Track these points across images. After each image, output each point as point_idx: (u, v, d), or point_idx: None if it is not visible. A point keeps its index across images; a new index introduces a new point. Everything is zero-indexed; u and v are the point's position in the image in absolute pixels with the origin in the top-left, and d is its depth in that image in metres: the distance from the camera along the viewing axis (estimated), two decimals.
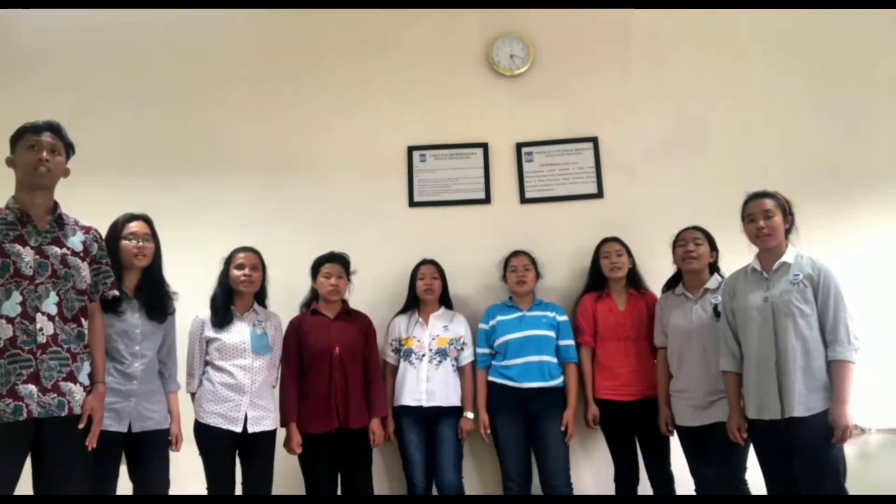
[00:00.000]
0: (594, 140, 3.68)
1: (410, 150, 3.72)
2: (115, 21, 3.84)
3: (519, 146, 3.71)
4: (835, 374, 2.42)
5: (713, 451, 2.78)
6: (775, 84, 3.68)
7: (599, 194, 3.64)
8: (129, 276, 2.60)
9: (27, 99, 3.74)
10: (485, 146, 3.71)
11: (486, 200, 3.67)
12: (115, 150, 3.66)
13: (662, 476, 3.02)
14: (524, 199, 3.67)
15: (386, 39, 3.82)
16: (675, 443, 3.01)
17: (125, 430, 2.47)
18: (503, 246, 3.49)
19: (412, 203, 3.68)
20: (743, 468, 2.73)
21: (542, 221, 3.60)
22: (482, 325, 3.29)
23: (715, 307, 2.83)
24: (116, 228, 2.60)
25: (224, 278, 2.95)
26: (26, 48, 3.84)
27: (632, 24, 3.79)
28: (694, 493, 2.93)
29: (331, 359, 2.97)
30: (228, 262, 2.96)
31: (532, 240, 3.43)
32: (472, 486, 3.31)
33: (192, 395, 2.87)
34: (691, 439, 2.88)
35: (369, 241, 3.48)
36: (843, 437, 2.37)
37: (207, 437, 2.77)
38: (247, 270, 2.91)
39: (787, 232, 2.64)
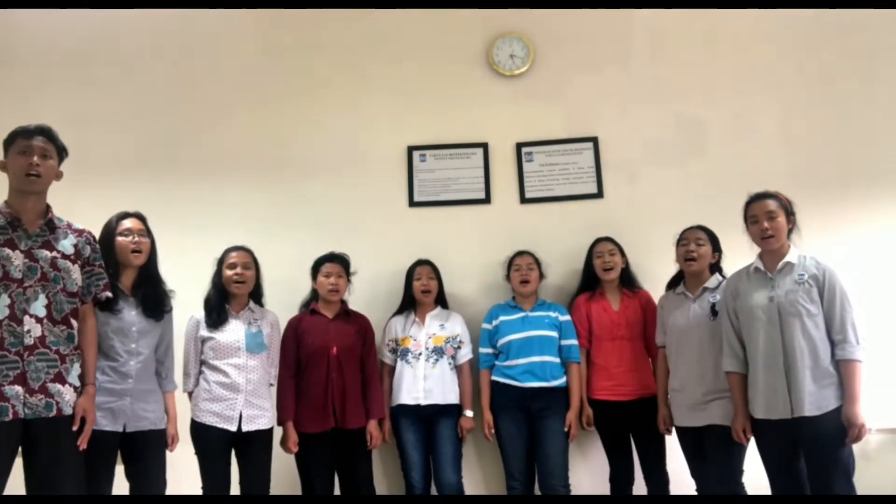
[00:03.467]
0: (594, 140, 3.68)
1: (410, 150, 3.72)
2: (114, 21, 3.84)
3: (519, 146, 3.71)
4: (844, 373, 2.43)
5: (710, 452, 2.76)
6: (775, 84, 3.68)
7: (599, 194, 3.64)
8: (126, 274, 2.60)
9: (27, 99, 3.74)
10: (485, 146, 3.71)
11: (486, 200, 3.66)
12: (114, 150, 3.67)
13: (658, 476, 3.03)
14: (524, 199, 3.67)
15: (386, 39, 3.82)
16: (671, 443, 3.01)
17: (120, 429, 2.47)
18: (503, 246, 3.48)
19: (412, 203, 3.67)
20: (740, 470, 2.72)
21: (542, 221, 3.60)
22: (485, 325, 3.29)
23: (713, 306, 2.82)
24: (111, 226, 2.60)
25: (217, 278, 2.95)
26: (26, 48, 3.84)
27: (632, 24, 3.79)
28: (695, 493, 2.91)
29: (328, 359, 2.97)
30: (221, 262, 2.96)
31: (532, 240, 3.43)
32: (475, 486, 3.31)
33: (189, 394, 2.88)
34: (689, 439, 2.86)
35: (369, 241, 3.48)
36: (857, 436, 2.38)
37: (203, 435, 2.77)
38: (239, 270, 2.91)
39: (789, 232, 2.64)
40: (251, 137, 3.73)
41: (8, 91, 3.76)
